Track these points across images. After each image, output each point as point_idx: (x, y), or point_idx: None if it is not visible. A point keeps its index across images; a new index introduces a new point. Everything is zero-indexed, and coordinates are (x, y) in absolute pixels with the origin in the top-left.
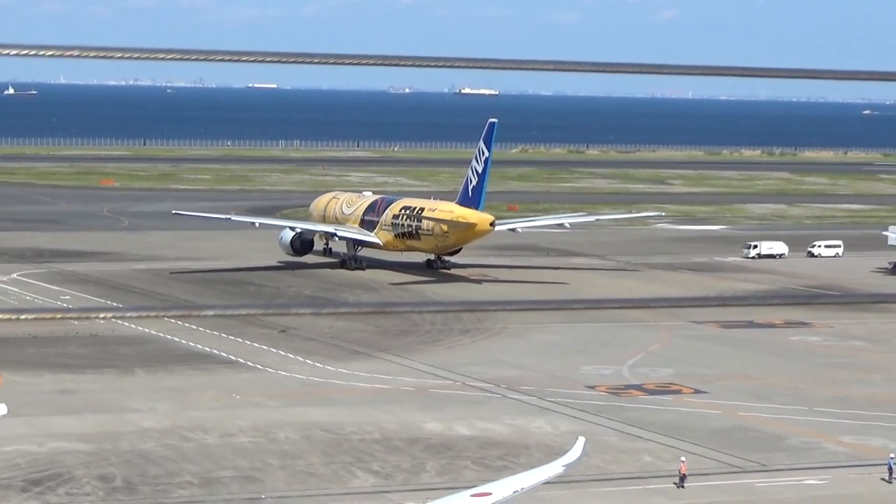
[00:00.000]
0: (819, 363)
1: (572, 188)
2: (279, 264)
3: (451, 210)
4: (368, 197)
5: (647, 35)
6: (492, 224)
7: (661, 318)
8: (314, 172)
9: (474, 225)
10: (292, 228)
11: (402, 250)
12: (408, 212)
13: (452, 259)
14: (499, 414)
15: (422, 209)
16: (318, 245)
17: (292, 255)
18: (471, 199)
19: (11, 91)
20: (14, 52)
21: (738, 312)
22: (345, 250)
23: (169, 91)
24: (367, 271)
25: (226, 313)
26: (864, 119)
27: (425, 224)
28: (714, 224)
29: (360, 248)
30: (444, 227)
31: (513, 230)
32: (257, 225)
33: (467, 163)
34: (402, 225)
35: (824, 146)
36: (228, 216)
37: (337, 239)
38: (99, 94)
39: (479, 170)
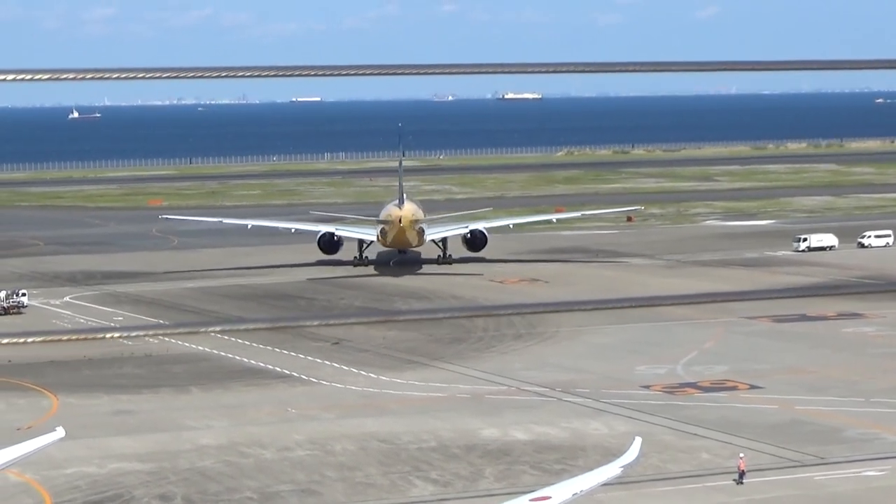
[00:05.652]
0: (874, 354)
1: (619, 189)
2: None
3: (390, 211)
4: (390, 199)
5: (688, 33)
6: (399, 220)
7: (713, 315)
8: (361, 184)
9: (398, 222)
10: (289, 230)
11: (387, 247)
12: (382, 213)
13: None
14: (555, 417)
15: (383, 209)
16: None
17: (324, 254)
18: (400, 198)
19: (76, 115)
20: (11, 76)
21: (790, 306)
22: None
23: (200, 109)
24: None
25: (238, 328)
26: (878, 108)
27: (381, 224)
28: (763, 219)
29: (367, 245)
30: (387, 227)
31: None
32: (249, 227)
33: (513, 168)
34: (381, 223)
35: (870, 136)
36: (219, 220)
37: (335, 238)
38: (150, 115)
39: (400, 172)
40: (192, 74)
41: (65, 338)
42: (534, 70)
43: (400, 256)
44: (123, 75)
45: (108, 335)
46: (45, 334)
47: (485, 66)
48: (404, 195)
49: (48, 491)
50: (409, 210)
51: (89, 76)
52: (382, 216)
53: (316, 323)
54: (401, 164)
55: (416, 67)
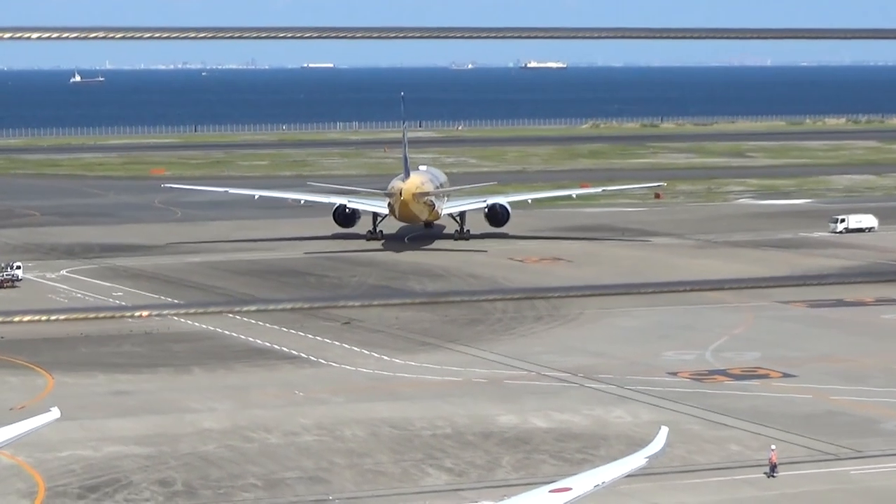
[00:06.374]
0: None
1: (647, 164)
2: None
3: (394, 184)
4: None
5: (721, 4)
6: (400, 193)
7: (744, 299)
8: (375, 155)
9: (399, 195)
10: (298, 201)
11: (398, 220)
12: (389, 185)
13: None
14: (576, 404)
15: (391, 181)
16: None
17: (340, 227)
18: (406, 170)
19: (78, 79)
20: (35, 35)
21: (826, 291)
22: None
23: (203, 74)
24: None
25: (275, 308)
26: None
27: (388, 197)
28: (798, 198)
29: (382, 218)
30: (392, 200)
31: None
32: (256, 197)
33: (536, 140)
34: (387, 196)
35: None
36: (226, 189)
37: (347, 210)
38: (154, 80)
39: (405, 142)
40: (229, 35)
41: (91, 315)
42: (556, 35)
43: (421, 231)
44: (157, 35)
45: (137, 314)
46: (69, 311)
47: (505, 30)
48: (417, 166)
49: (41, 474)
50: (414, 183)
51: (118, 36)
52: (388, 189)
53: (358, 304)
54: (405, 134)
55: (434, 31)
